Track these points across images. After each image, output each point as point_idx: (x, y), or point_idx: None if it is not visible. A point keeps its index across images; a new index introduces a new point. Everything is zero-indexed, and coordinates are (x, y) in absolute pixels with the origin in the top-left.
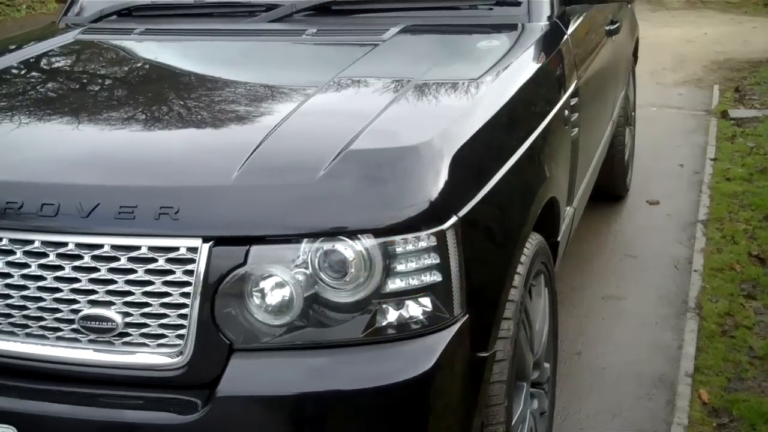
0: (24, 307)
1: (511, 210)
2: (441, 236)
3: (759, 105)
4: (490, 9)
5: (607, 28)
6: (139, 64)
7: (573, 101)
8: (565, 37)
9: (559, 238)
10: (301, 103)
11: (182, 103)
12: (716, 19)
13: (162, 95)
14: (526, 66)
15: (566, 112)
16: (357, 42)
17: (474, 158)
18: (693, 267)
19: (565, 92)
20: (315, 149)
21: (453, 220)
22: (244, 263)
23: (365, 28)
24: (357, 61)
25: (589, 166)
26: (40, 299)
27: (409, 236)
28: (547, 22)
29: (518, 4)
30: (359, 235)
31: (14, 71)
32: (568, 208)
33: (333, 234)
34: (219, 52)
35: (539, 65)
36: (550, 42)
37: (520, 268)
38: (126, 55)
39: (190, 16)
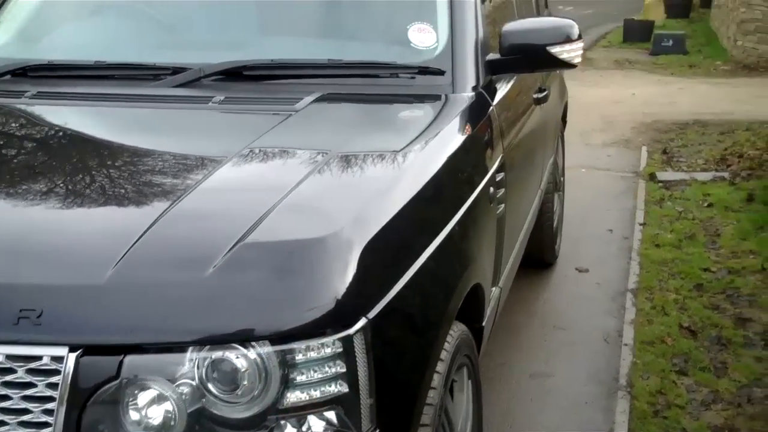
0: None
1: (429, 304)
2: (348, 342)
3: (686, 167)
4: (412, 78)
5: (535, 96)
6: (21, 133)
7: (499, 176)
8: (491, 108)
9: (483, 323)
10: (199, 182)
11: (63, 180)
12: (643, 80)
13: (39, 170)
14: (448, 142)
15: (491, 189)
16: (268, 111)
17: (389, 248)
18: (623, 340)
19: (490, 168)
20: (207, 239)
21: (362, 322)
22: (118, 376)
23: (278, 97)
24: (266, 132)
25: (516, 241)
26: None
27: (312, 342)
28: (473, 93)
29: (442, 73)
30: (253, 342)
31: None
32: (494, 289)
33: (223, 341)
34: (115, 120)
35: (463, 140)
36: (475, 114)
37: (440, 366)
38: (10, 121)
39: (89, 78)
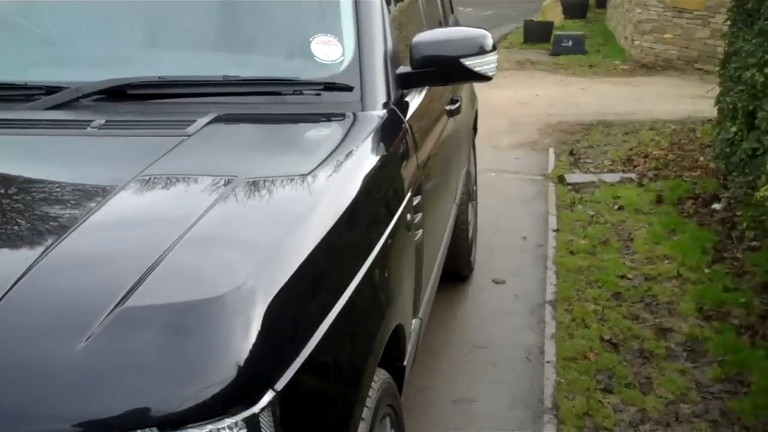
0: None
1: (347, 360)
2: (253, 421)
3: (594, 169)
4: (318, 95)
5: (448, 107)
6: None
7: (416, 200)
8: (404, 125)
9: (405, 362)
10: (74, 225)
11: None
12: (546, 80)
13: None
14: (360, 167)
15: (409, 215)
16: (156, 136)
17: (300, 298)
18: (545, 357)
19: (407, 193)
20: (83, 299)
21: (269, 396)
22: None
23: (167, 119)
24: (153, 163)
25: (434, 266)
26: None
27: (209, 425)
28: (384, 110)
29: (350, 89)
30: (138, 430)
31: None
32: (414, 321)
33: (99, 430)
34: None
35: (376, 165)
36: (388, 134)
37: (362, 426)
38: None
39: None
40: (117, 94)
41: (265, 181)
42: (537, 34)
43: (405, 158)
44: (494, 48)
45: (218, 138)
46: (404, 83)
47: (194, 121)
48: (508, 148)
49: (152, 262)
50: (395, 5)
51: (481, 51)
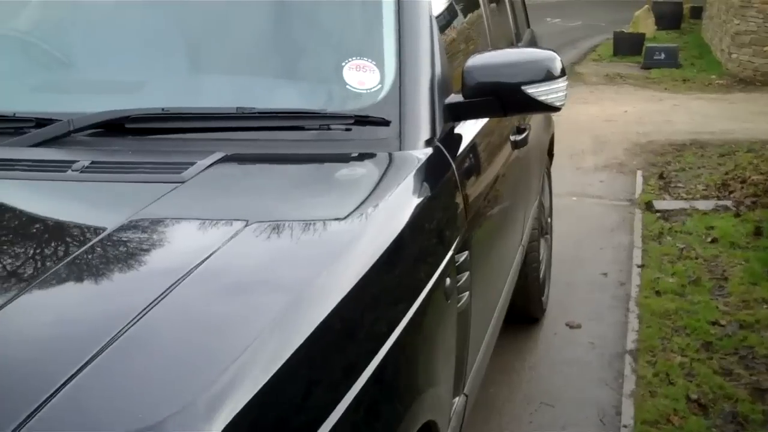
0: None
1: None
2: None
3: (685, 194)
4: (348, 130)
5: (513, 138)
6: None
7: (462, 257)
8: (452, 168)
9: None
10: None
11: None
12: (636, 96)
13: None
14: (385, 227)
15: (448, 280)
16: (144, 182)
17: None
18: (622, 420)
19: (447, 251)
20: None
21: None
22: None
23: (164, 161)
24: (127, 221)
25: (487, 332)
26: None
27: None
28: (427, 149)
29: (386, 123)
30: None
31: None
32: (457, 399)
33: None
34: None
35: (409, 222)
36: (429, 180)
37: None
38: None
39: None
40: (115, 128)
41: (256, 243)
42: (627, 46)
43: (449, 208)
44: (563, 73)
45: (220, 184)
46: (454, 115)
47: (193, 163)
48: (592, 169)
49: (59, 382)
50: (450, 21)
51: (549, 77)
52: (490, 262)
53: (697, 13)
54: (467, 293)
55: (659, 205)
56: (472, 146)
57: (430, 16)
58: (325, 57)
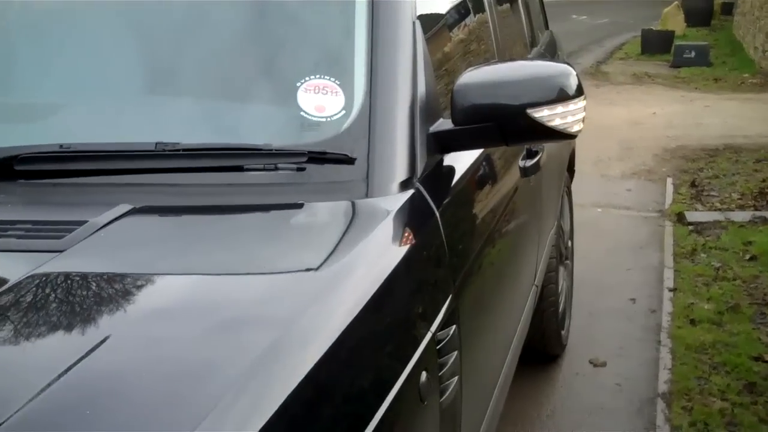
0: None
1: None
2: None
3: (719, 204)
4: (300, 170)
5: (522, 164)
6: None
7: (446, 335)
8: (435, 217)
9: None
10: None
11: None
12: (665, 97)
13: None
14: (344, 304)
15: (425, 374)
16: (13, 250)
17: None
18: None
19: (425, 334)
20: None
21: None
22: None
23: (45, 220)
24: None
25: (484, 415)
26: None
27: None
28: (404, 193)
29: (350, 161)
30: None
31: None
32: None
33: None
34: None
35: (369, 307)
36: (402, 239)
37: None
38: None
39: None
40: (3, 169)
41: (184, 332)
42: (656, 44)
43: (428, 275)
44: (580, 92)
45: (111, 255)
46: (442, 145)
47: (83, 222)
48: (618, 177)
49: None
50: (442, 26)
51: (562, 96)
52: (489, 330)
53: (728, 9)
54: (455, 379)
55: (691, 216)
56: (466, 183)
57: (413, 22)
58: (274, 75)
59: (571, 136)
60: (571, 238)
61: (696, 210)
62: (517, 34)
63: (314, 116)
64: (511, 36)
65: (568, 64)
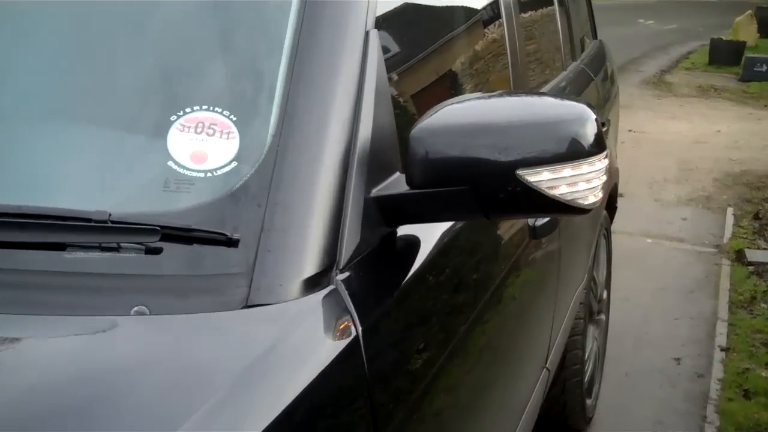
0: None
1: None
2: None
3: None
4: (153, 253)
5: (533, 224)
6: None
7: None
8: (356, 341)
9: None
10: None
11: None
12: (731, 113)
13: None
14: None
15: None
16: None
17: None
18: None
19: None
20: None
21: None
22: None
23: None
24: None
25: None
26: None
27: None
28: (309, 297)
29: (231, 242)
30: None
31: None
32: None
33: None
34: None
35: None
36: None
37: None
38: None
39: None
40: None
41: None
42: (725, 54)
43: None
44: (600, 146)
45: None
46: (391, 216)
47: None
48: (674, 203)
49: None
50: (419, 39)
51: (572, 153)
52: None
53: None
54: None
55: (753, 255)
56: (426, 268)
57: (366, 32)
58: (135, 102)
59: (582, 211)
60: (608, 287)
61: (758, 248)
62: (548, 49)
63: (188, 169)
64: (540, 52)
65: (590, 106)
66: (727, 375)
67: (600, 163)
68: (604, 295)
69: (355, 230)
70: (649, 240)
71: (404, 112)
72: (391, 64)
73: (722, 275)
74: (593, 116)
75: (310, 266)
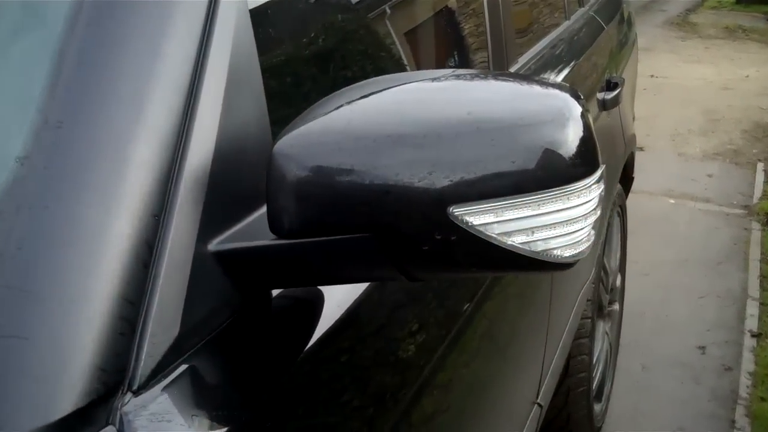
0: None
1: None
2: None
3: None
4: None
5: None
6: None
7: None
8: None
9: None
10: None
11: None
12: (761, 56)
13: None
14: None
15: None
16: None
17: None
18: None
19: None
20: None
21: None
22: None
23: None
24: None
25: None
26: None
27: None
28: None
29: None
30: None
31: None
32: None
33: None
34: None
35: None
36: None
37: None
38: None
39: None
40: None
41: None
42: None
43: None
44: (589, 163)
45: None
46: (246, 279)
47: None
48: (698, 157)
49: None
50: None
51: (545, 176)
52: None
53: None
54: None
55: None
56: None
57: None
58: None
59: (558, 267)
60: (623, 271)
61: None
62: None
63: None
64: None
65: (574, 93)
66: (758, 368)
67: (589, 191)
68: (618, 282)
69: (170, 316)
70: (672, 200)
71: (284, 113)
72: (266, 38)
73: (752, 242)
74: (579, 110)
75: (66, 399)
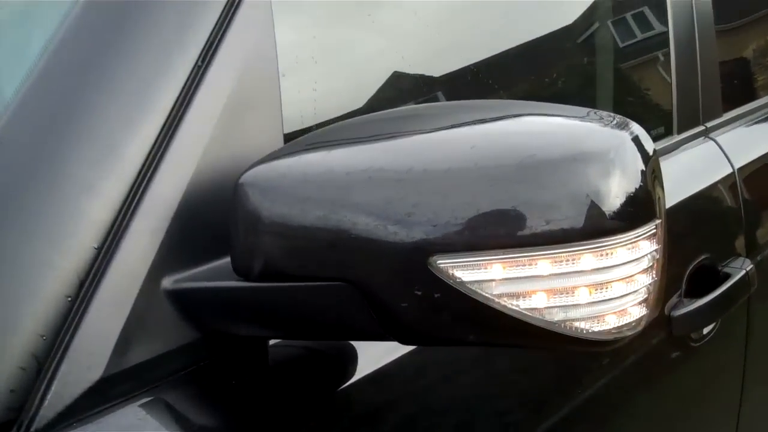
0: None
1: None
2: None
3: None
4: None
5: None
6: None
7: None
8: None
9: None
10: None
11: None
12: None
13: None
14: None
15: None
16: None
17: None
18: None
19: None
20: None
21: None
22: None
23: None
24: None
25: None
26: None
27: None
28: None
29: None
30: None
31: None
32: None
33: None
34: None
35: None
36: None
37: None
38: None
39: None
40: None
41: None
42: None
43: None
44: (639, 216)
45: None
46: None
47: None
48: None
49: None
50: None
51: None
52: None
53: None
54: None
55: None
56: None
57: None
58: None
59: (589, 344)
60: None
61: None
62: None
63: None
64: None
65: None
66: None
67: (633, 247)
68: None
69: (95, 356)
70: None
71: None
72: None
73: None
74: (617, 142)
75: None
